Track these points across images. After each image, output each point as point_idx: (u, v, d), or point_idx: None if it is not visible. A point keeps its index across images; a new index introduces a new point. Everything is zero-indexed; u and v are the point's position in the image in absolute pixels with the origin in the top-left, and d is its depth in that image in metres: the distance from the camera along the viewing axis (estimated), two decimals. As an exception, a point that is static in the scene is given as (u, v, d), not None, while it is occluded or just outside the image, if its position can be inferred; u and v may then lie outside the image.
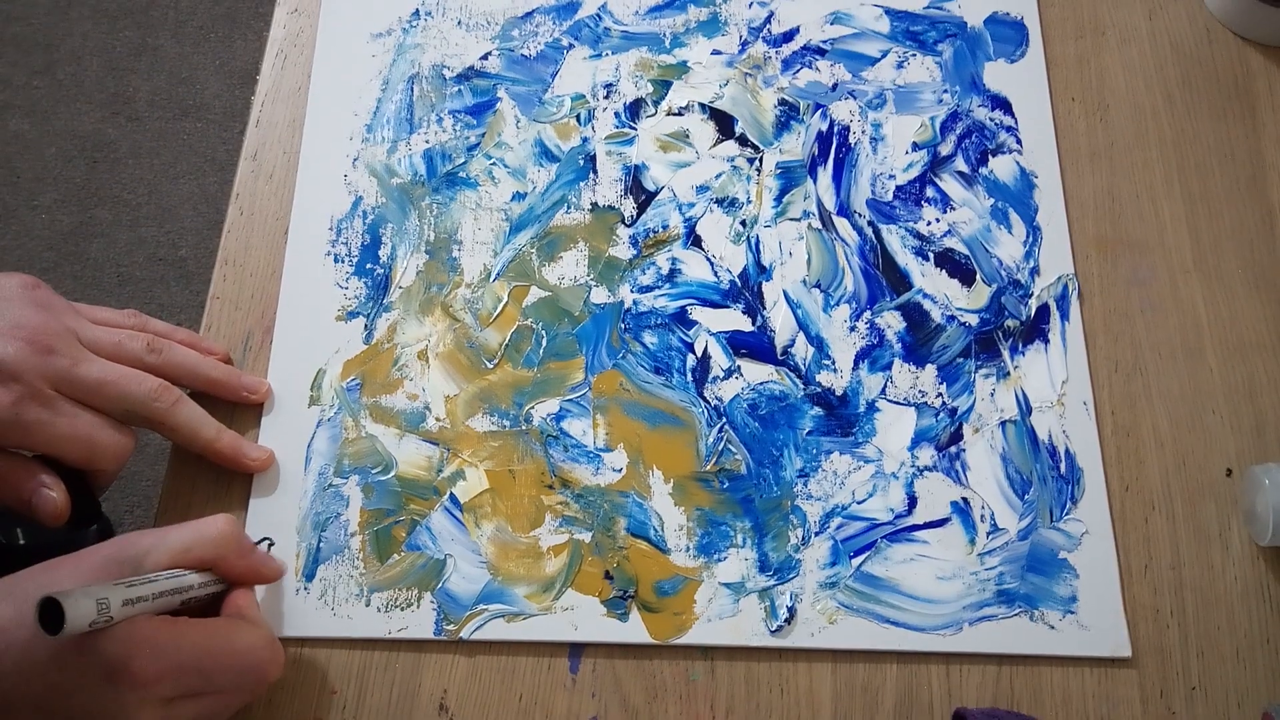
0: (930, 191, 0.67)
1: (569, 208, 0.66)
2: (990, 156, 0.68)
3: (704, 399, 0.62)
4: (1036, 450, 0.61)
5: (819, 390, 0.62)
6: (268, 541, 0.58)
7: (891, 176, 0.68)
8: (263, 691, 0.51)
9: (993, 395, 0.62)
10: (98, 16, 1.71)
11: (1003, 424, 0.62)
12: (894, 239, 0.66)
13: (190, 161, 1.61)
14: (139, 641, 0.45)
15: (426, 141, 0.68)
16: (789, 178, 0.68)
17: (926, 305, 0.64)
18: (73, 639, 0.44)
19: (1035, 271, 0.65)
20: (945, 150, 0.68)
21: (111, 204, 1.57)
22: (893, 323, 0.64)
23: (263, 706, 0.54)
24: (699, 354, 0.63)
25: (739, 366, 0.62)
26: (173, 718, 0.47)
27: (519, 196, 0.67)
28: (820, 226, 0.66)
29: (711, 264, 0.65)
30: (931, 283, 0.65)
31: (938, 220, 0.66)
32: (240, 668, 0.49)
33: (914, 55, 0.71)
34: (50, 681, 0.45)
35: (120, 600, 0.44)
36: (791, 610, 0.57)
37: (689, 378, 0.62)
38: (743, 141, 0.69)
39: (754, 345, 0.63)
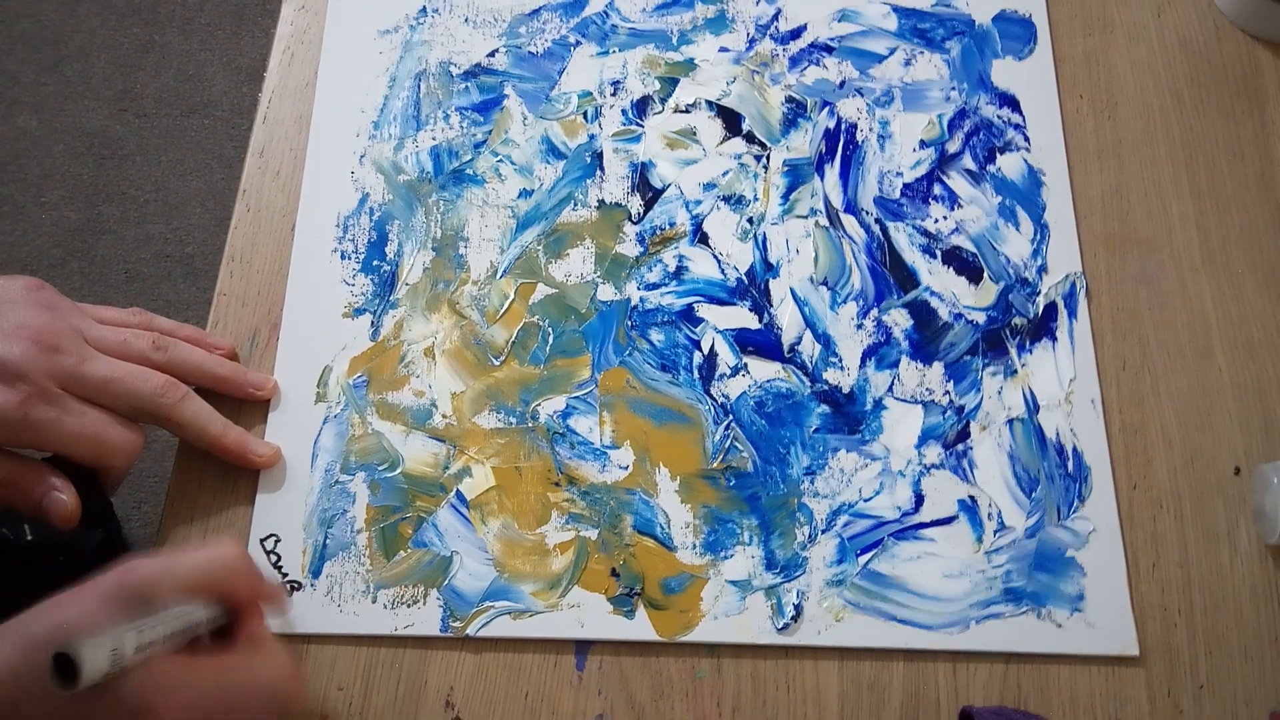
0: (938, 189, 0.67)
1: (576, 205, 0.66)
2: (998, 154, 0.68)
3: (710, 396, 0.61)
4: (1044, 448, 0.61)
5: (826, 388, 0.62)
6: (274, 538, 0.58)
7: (899, 174, 0.68)
8: (289, 715, 0.50)
9: (1000, 393, 0.62)
10: (105, 13, 1.71)
11: (1010, 422, 0.61)
12: (901, 236, 0.66)
13: (197, 158, 1.61)
14: (159, 683, 0.44)
15: (433, 138, 0.68)
16: (796, 175, 0.67)
17: (934, 303, 0.64)
18: (90, 688, 0.43)
19: (1043, 269, 0.65)
20: (953, 148, 0.68)
21: (119, 201, 1.57)
22: (900, 320, 0.64)
23: (269, 703, 0.54)
24: (706, 351, 0.63)
25: (746, 364, 0.62)
26: None
27: (526, 193, 0.67)
28: (827, 224, 0.66)
29: (718, 261, 0.65)
30: (939, 280, 0.65)
31: (945, 218, 0.66)
32: (262, 698, 0.48)
33: (921, 53, 0.71)
34: None
35: (133, 646, 0.43)
36: (798, 608, 0.57)
37: (695, 375, 0.62)
38: (750, 139, 0.68)
39: (761, 343, 0.63)
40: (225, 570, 0.49)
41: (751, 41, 0.71)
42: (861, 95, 0.70)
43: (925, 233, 0.66)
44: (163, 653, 0.45)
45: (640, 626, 0.56)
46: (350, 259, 0.65)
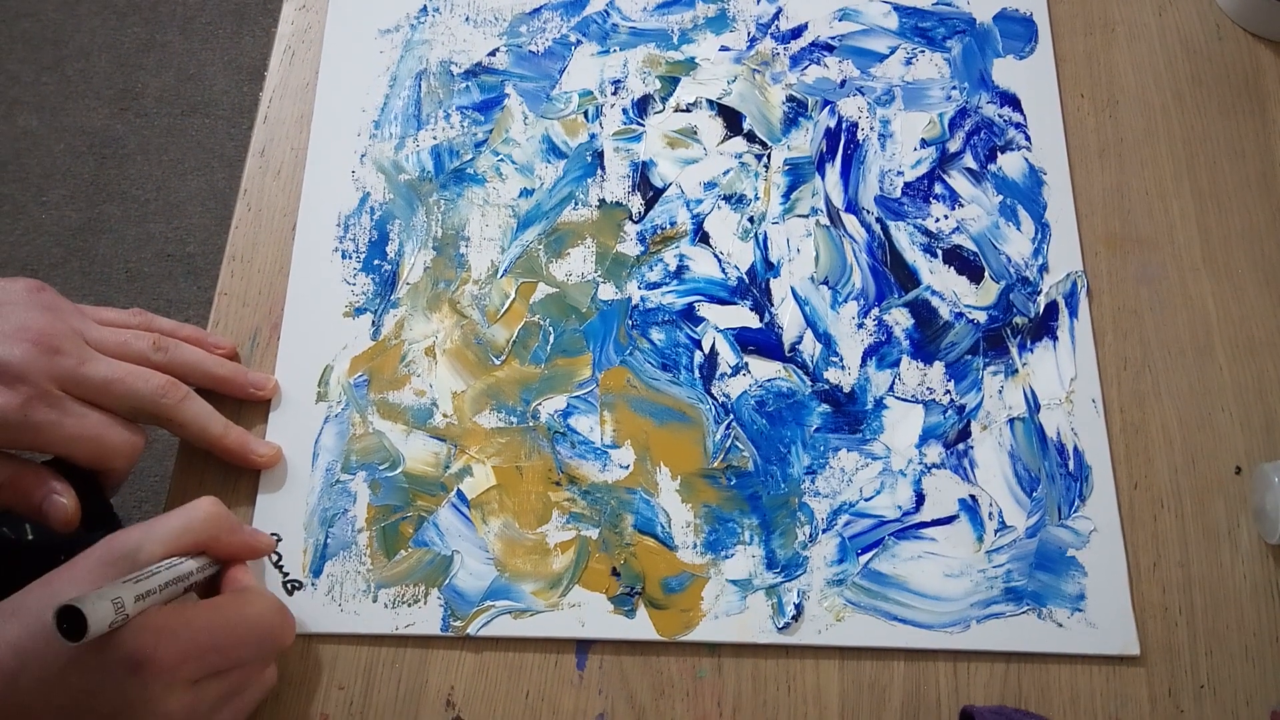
0: (939, 188, 0.67)
1: (576, 204, 0.66)
2: (999, 153, 0.68)
3: (711, 396, 0.61)
4: (1045, 448, 0.61)
5: (827, 387, 0.62)
6: (275, 537, 0.58)
7: (900, 173, 0.68)
8: (282, 650, 0.52)
9: (1001, 392, 0.62)
10: (106, 13, 1.71)
11: (1011, 421, 0.61)
12: (902, 236, 0.66)
13: (198, 158, 1.61)
14: (154, 630, 0.46)
15: (434, 138, 0.68)
16: (797, 174, 0.67)
17: (935, 302, 0.64)
18: (91, 642, 0.44)
19: (1044, 268, 0.65)
20: (954, 147, 0.68)
21: (120, 200, 1.58)
22: (901, 319, 0.64)
23: (270, 702, 0.54)
24: (706, 351, 0.63)
25: (746, 363, 0.62)
26: (201, 698, 0.47)
27: (526, 193, 0.67)
28: (828, 223, 0.66)
29: (719, 261, 0.65)
30: (940, 280, 0.65)
31: (946, 217, 0.66)
32: (255, 637, 0.50)
33: (922, 52, 0.71)
34: (74, 688, 0.45)
35: (132, 597, 0.44)
36: (798, 607, 0.57)
37: (696, 374, 0.62)
38: (750, 138, 0.68)
39: (761, 342, 0.63)
40: (201, 523, 0.51)
41: (752, 40, 0.71)
42: (862, 94, 0.70)
43: (926, 232, 0.66)
44: (159, 603, 0.47)
45: (641, 626, 0.57)
46: (351, 258, 0.65)
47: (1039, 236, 0.66)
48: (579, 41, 0.71)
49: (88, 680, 0.45)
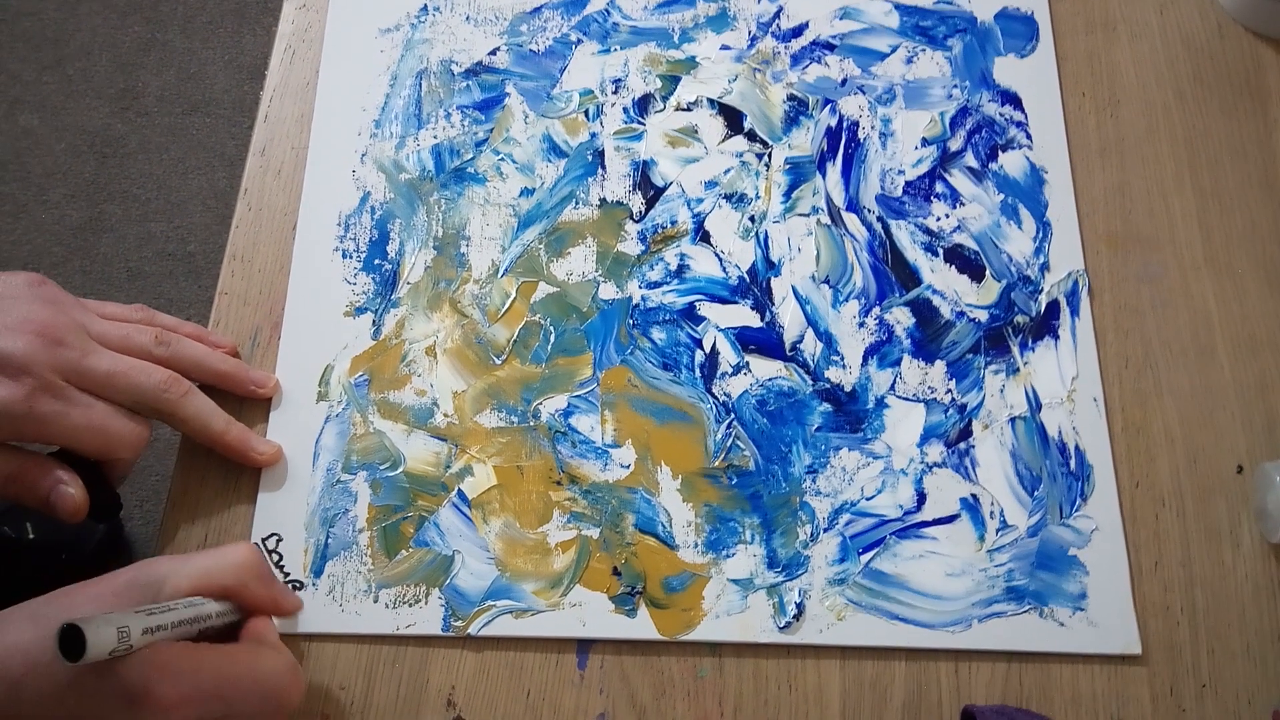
0: (940, 187, 0.67)
1: (577, 203, 0.66)
2: (1000, 152, 0.68)
3: (712, 395, 0.61)
4: (1046, 447, 0.61)
5: (828, 386, 0.62)
6: (276, 537, 0.58)
7: (901, 172, 0.67)
8: (288, 711, 0.50)
9: (1002, 391, 0.62)
10: (107, 11, 1.71)
11: (1012, 420, 0.61)
12: (903, 234, 0.66)
13: (199, 157, 1.61)
14: (159, 667, 0.45)
15: (435, 137, 0.68)
16: (798, 173, 0.67)
17: (936, 301, 0.64)
18: (93, 666, 0.43)
19: (1045, 267, 0.65)
20: (955, 146, 0.68)
21: (121, 199, 1.57)
22: (902, 318, 0.64)
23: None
24: (707, 350, 0.63)
25: (747, 362, 0.62)
26: None
27: (527, 192, 0.67)
28: (829, 222, 0.66)
29: (720, 260, 0.65)
30: (941, 278, 0.65)
31: (947, 216, 0.66)
32: (261, 693, 0.48)
33: (923, 50, 0.71)
34: (70, 708, 0.44)
35: (141, 628, 0.43)
36: (800, 607, 0.57)
37: (697, 374, 0.62)
38: (751, 137, 0.68)
39: (762, 341, 0.63)
40: (233, 569, 0.50)
41: (753, 39, 0.71)
42: (863, 93, 0.70)
43: (927, 231, 0.66)
44: (171, 639, 0.46)
45: (642, 625, 0.56)
46: (352, 258, 0.65)
47: (1040, 235, 0.66)
48: (579, 40, 0.71)
49: (84, 705, 0.44)
